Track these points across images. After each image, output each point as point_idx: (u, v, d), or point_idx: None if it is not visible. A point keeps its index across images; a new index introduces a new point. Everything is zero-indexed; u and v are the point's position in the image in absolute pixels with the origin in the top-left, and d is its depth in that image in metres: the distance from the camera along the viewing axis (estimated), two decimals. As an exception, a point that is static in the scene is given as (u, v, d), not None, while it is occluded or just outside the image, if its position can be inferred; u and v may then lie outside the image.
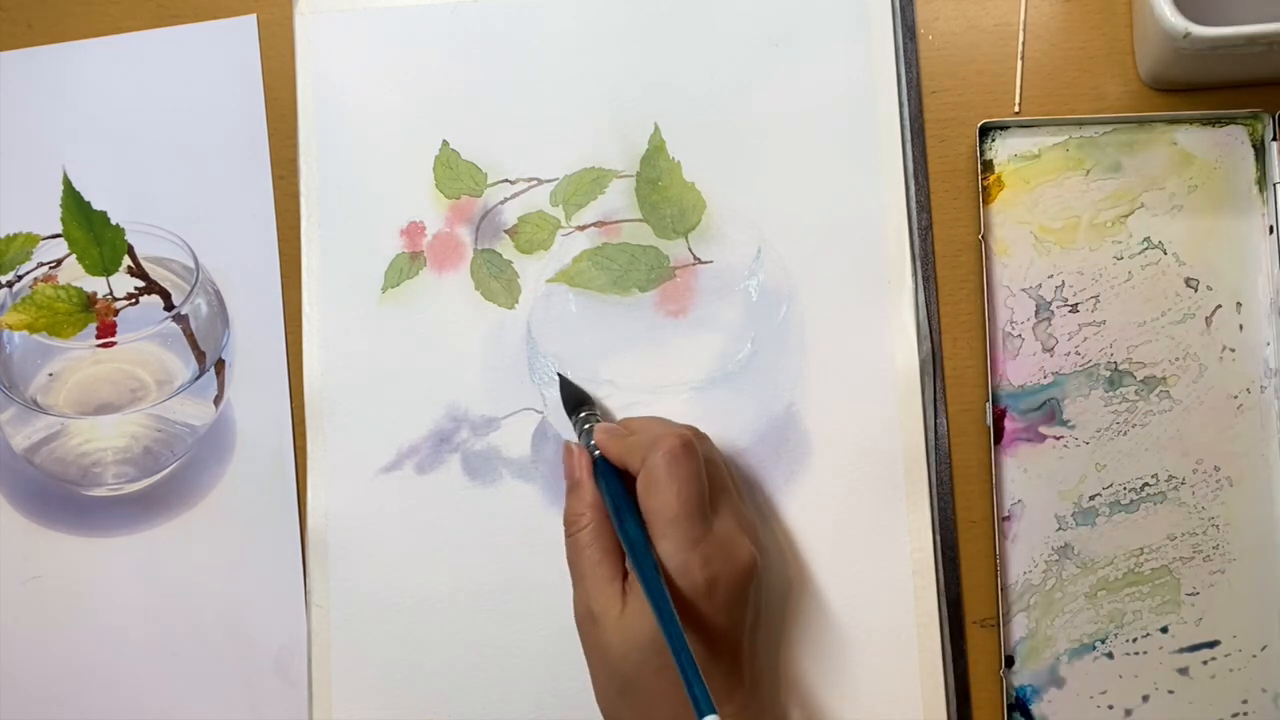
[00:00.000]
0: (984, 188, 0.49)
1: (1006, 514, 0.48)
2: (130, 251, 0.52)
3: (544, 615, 0.49)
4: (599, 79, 0.51)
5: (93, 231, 0.52)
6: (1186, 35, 0.43)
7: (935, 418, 0.49)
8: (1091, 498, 0.48)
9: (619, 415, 0.50)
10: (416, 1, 0.52)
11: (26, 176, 0.53)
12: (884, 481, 0.48)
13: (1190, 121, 0.49)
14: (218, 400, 0.52)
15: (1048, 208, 0.49)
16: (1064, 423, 0.49)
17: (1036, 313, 0.49)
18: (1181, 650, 0.48)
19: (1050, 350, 0.49)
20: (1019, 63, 0.50)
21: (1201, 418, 0.48)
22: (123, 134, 0.53)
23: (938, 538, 0.48)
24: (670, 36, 0.51)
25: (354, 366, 0.51)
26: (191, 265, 0.52)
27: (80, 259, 0.52)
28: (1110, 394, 0.48)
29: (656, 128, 0.51)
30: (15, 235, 0.53)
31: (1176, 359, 0.48)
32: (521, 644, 0.49)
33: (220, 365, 0.52)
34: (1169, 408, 0.48)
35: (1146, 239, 0.49)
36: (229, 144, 0.53)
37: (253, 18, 0.53)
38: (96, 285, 0.52)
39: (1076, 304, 0.49)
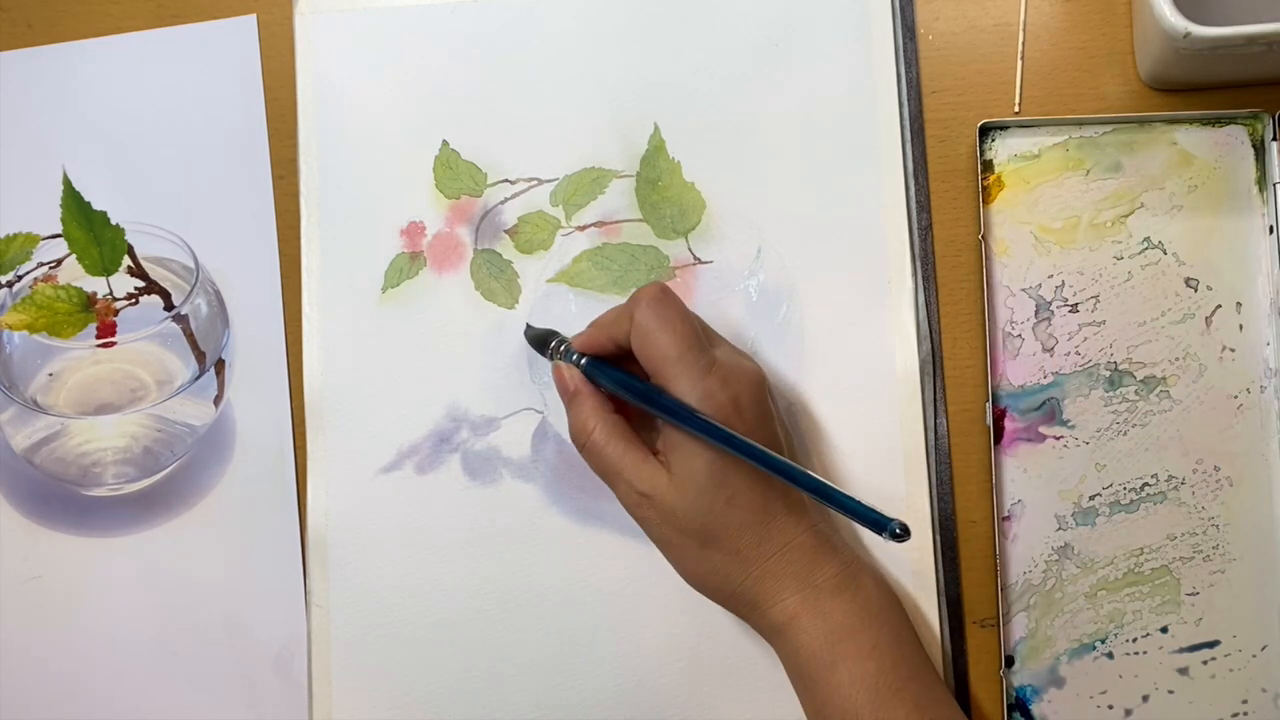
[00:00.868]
0: (984, 188, 0.49)
1: (1006, 514, 0.48)
2: (130, 251, 0.52)
3: (544, 615, 0.49)
4: (599, 79, 0.51)
5: (93, 231, 0.52)
6: (1186, 35, 0.43)
7: (935, 418, 0.49)
8: (1091, 498, 0.48)
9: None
10: (416, 1, 0.52)
11: (26, 176, 0.53)
12: (884, 481, 0.48)
13: (1190, 121, 0.49)
14: (218, 400, 0.52)
15: (1048, 208, 0.49)
16: (1064, 423, 0.49)
17: (1036, 313, 0.49)
18: (1181, 650, 0.48)
19: (1050, 350, 0.49)
20: (1019, 63, 0.50)
21: (1201, 418, 0.48)
22: (123, 134, 0.53)
23: (938, 538, 0.48)
24: (670, 36, 0.51)
25: (354, 366, 0.51)
26: (191, 265, 0.52)
27: (80, 259, 0.52)
28: (1110, 394, 0.48)
29: (656, 128, 0.51)
30: (15, 235, 0.53)
31: (1176, 359, 0.48)
32: (521, 644, 0.49)
33: (220, 365, 0.52)
34: (1169, 408, 0.48)
35: (1146, 239, 0.49)
36: (229, 144, 0.53)
37: (253, 18, 0.53)
38: (96, 285, 0.52)
39: (1076, 304, 0.49)
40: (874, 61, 0.50)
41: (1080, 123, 0.49)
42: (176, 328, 0.52)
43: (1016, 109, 0.50)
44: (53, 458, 0.52)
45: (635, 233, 0.51)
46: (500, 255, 0.51)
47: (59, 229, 0.53)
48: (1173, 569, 0.48)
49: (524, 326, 0.50)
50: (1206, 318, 0.49)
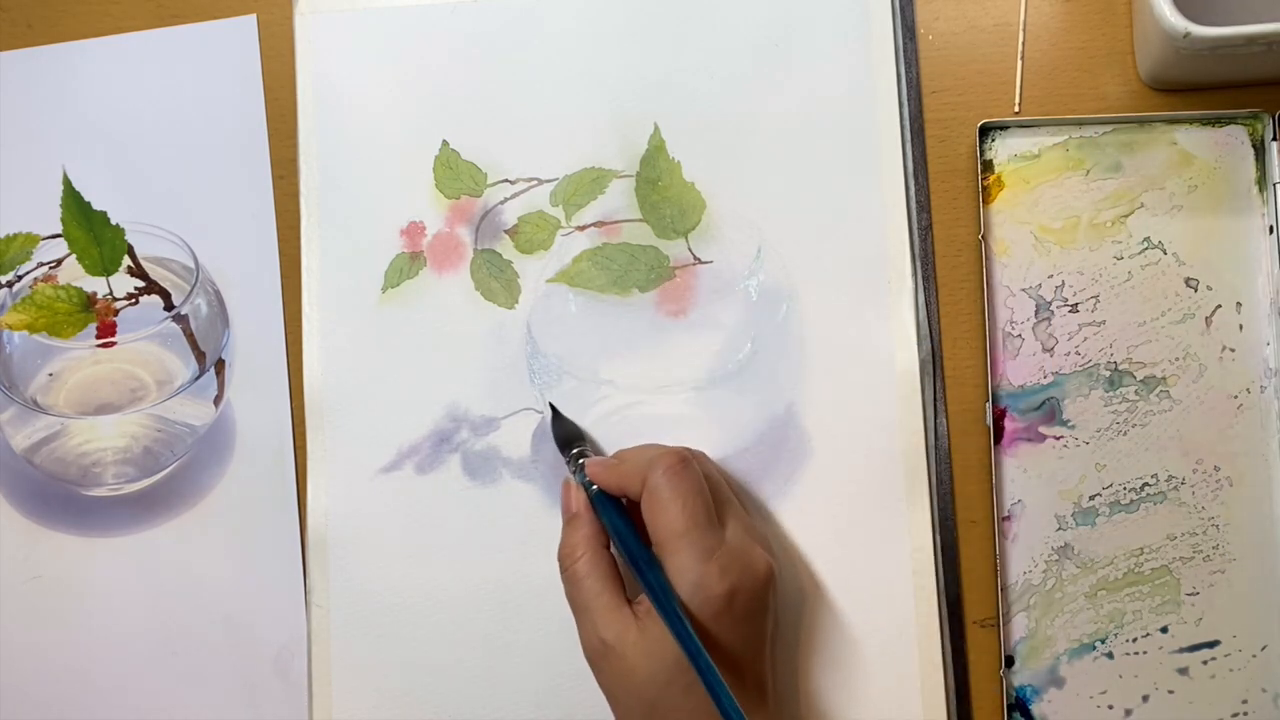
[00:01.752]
0: (984, 188, 0.49)
1: (1006, 514, 0.48)
2: (130, 251, 0.52)
3: (544, 615, 0.49)
4: (599, 79, 0.51)
5: (93, 231, 0.52)
6: (1186, 35, 0.43)
7: (935, 418, 0.49)
8: (1091, 498, 0.48)
9: (619, 414, 0.50)
10: (416, 1, 0.52)
11: (26, 176, 0.53)
12: (884, 481, 0.48)
13: (1190, 121, 0.49)
14: (218, 400, 0.52)
15: (1048, 208, 0.49)
16: (1064, 423, 0.49)
17: (1036, 313, 0.49)
18: (1181, 650, 0.48)
19: (1050, 350, 0.49)
20: (1019, 63, 0.50)
21: (1201, 418, 0.48)
22: (123, 134, 0.53)
23: (938, 538, 0.48)
24: (670, 36, 0.51)
25: (354, 366, 0.51)
26: (191, 265, 0.52)
27: (80, 259, 0.52)
28: (1110, 394, 0.48)
29: (656, 128, 0.51)
30: (15, 235, 0.53)
31: (1176, 359, 0.48)
32: (521, 644, 0.49)
33: (220, 365, 0.52)
34: (1169, 408, 0.48)
35: (1146, 239, 0.49)
36: (229, 144, 0.53)
37: (253, 18, 0.53)
38: (96, 285, 0.52)
39: (1076, 304, 0.49)
40: (874, 61, 0.50)
41: (1080, 123, 0.49)
42: (176, 328, 0.52)
43: (1016, 109, 0.50)
44: (53, 458, 0.52)
45: (635, 233, 0.51)
46: (500, 255, 0.51)
47: (59, 229, 0.53)
48: (1173, 569, 0.48)
49: (551, 409, 0.49)
50: (1206, 318, 0.49)
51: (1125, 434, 0.48)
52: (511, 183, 0.51)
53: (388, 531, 0.50)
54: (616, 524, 0.43)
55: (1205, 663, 0.47)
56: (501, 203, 0.51)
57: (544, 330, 0.50)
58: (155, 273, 0.52)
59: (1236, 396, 0.48)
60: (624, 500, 0.45)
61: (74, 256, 0.52)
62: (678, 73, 0.51)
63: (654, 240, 0.50)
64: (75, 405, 0.52)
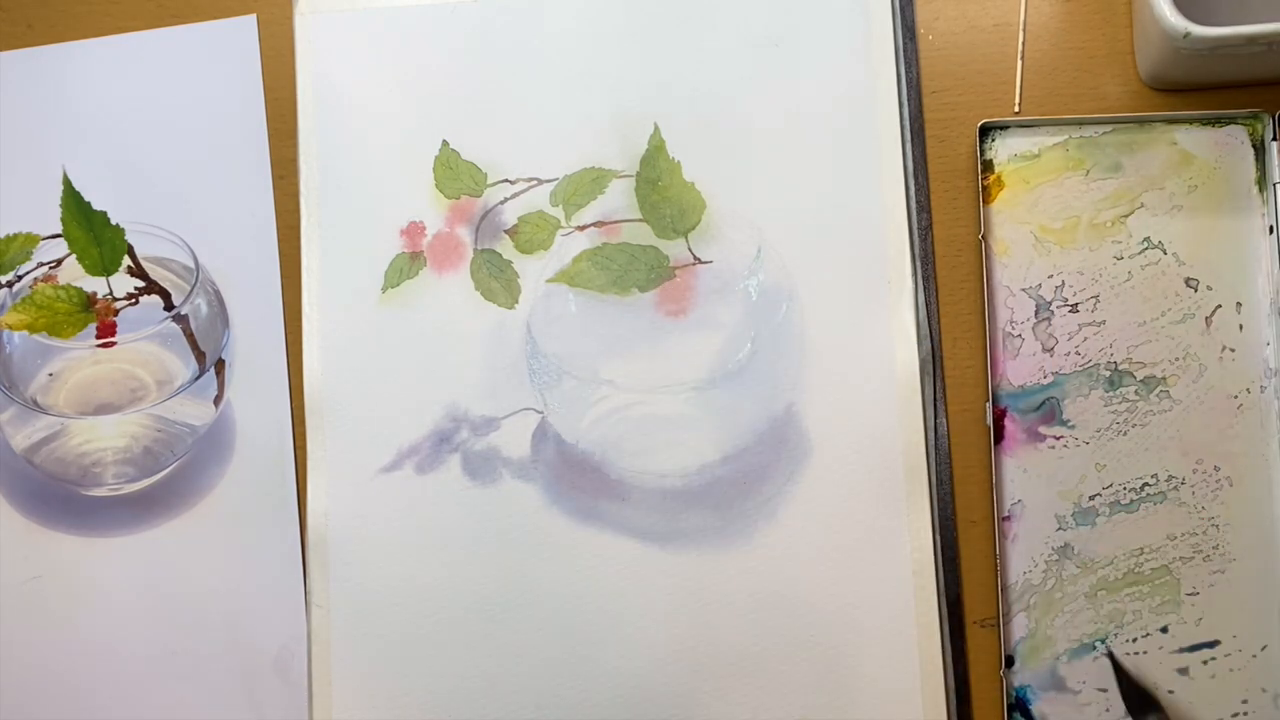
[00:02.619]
0: (984, 188, 0.49)
1: (1006, 514, 0.48)
2: (130, 251, 0.52)
3: (544, 615, 0.49)
4: (599, 79, 0.51)
5: (93, 231, 0.52)
6: (1186, 35, 0.43)
7: (935, 418, 0.49)
8: (1091, 498, 0.48)
9: (619, 415, 0.50)
10: (416, 1, 0.52)
11: (26, 176, 0.53)
12: (884, 481, 0.48)
13: (1190, 121, 0.49)
14: (218, 400, 0.52)
15: (1048, 208, 0.49)
16: (1064, 423, 0.49)
17: (1036, 313, 0.49)
18: (1181, 650, 0.48)
19: (1050, 350, 0.49)
20: (1019, 63, 0.50)
21: (1201, 418, 0.48)
22: (123, 134, 0.53)
23: (938, 538, 0.48)
24: (670, 36, 0.51)
25: (354, 366, 0.51)
26: (191, 265, 0.52)
27: (80, 259, 0.52)
28: (1110, 394, 0.48)
29: (656, 128, 0.51)
30: (15, 235, 0.53)
31: (1176, 359, 0.48)
32: (521, 644, 0.49)
33: (220, 365, 0.52)
34: (1169, 408, 0.48)
35: (1146, 239, 0.49)
36: (229, 144, 0.53)
37: (253, 18, 0.53)
38: (96, 285, 0.52)
39: (1076, 304, 0.49)
40: (874, 61, 0.50)
41: (1080, 123, 0.49)
42: (176, 328, 0.52)
43: (1016, 109, 0.50)
44: (53, 458, 0.52)
45: (635, 232, 0.51)
46: (500, 255, 0.51)
47: (59, 229, 0.53)
48: (1173, 569, 0.48)
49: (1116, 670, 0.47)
50: (1206, 318, 0.49)
51: (1125, 434, 0.48)
52: (511, 183, 0.51)
53: (388, 531, 0.50)
54: None
55: (1205, 663, 0.47)
56: (501, 203, 0.51)
57: (544, 330, 0.50)
58: (155, 273, 0.52)
59: (1236, 396, 0.48)
60: None
61: (74, 256, 0.52)
62: (678, 73, 0.51)
63: (654, 240, 0.50)
64: (75, 405, 0.52)
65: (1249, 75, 0.48)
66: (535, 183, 0.51)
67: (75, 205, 0.52)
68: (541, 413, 0.50)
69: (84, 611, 0.52)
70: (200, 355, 0.52)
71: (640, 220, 0.51)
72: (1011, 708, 0.48)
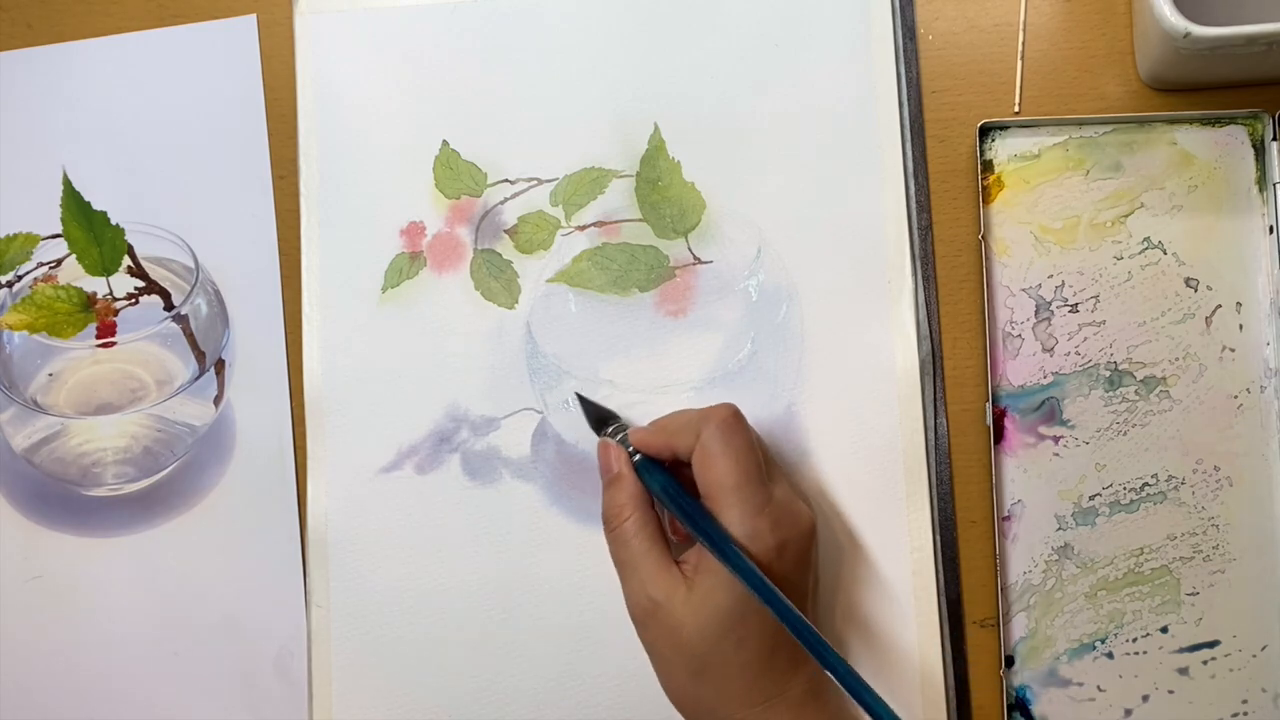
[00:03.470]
0: (984, 188, 0.49)
1: (1006, 514, 0.48)
2: (130, 251, 0.52)
3: (544, 615, 0.49)
4: (599, 79, 0.51)
5: (93, 231, 0.52)
6: (1186, 35, 0.43)
7: (935, 418, 0.49)
8: (1091, 498, 0.48)
9: (619, 415, 0.50)
10: (416, 1, 0.52)
11: (26, 176, 0.53)
12: (884, 481, 0.48)
13: (1190, 121, 0.49)
14: (218, 400, 0.52)
15: (1048, 208, 0.49)
16: (1064, 423, 0.49)
17: (1036, 313, 0.49)
18: (1181, 650, 0.48)
19: (1050, 350, 0.49)
20: (1019, 63, 0.50)
21: (1201, 418, 0.48)
22: (123, 134, 0.53)
23: (938, 538, 0.48)
24: (670, 37, 0.51)
25: (354, 366, 0.51)
26: (191, 265, 0.52)
27: (80, 259, 0.52)
28: (1110, 394, 0.48)
29: (656, 128, 0.51)
30: (15, 235, 0.53)
31: (1176, 359, 0.48)
32: (521, 644, 0.49)
33: (220, 365, 0.52)
34: (1169, 408, 0.48)
35: (1146, 239, 0.49)
36: (229, 144, 0.53)
37: (253, 18, 0.53)
38: (96, 285, 0.52)
39: (1076, 304, 0.49)
40: (874, 61, 0.50)
41: (1080, 123, 0.49)
42: (176, 328, 0.52)
43: (1016, 109, 0.50)
44: (53, 458, 0.52)
45: (635, 232, 0.51)
46: (500, 255, 0.51)
47: (59, 229, 0.53)
48: (1173, 569, 0.48)
49: (579, 398, 0.49)
50: (1206, 318, 0.48)
51: (1125, 434, 0.48)
52: (511, 183, 0.51)
53: (388, 531, 0.50)
54: (669, 485, 0.43)
55: (1205, 663, 0.47)
56: (501, 203, 0.51)
57: (544, 330, 0.50)
58: (155, 273, 0.52)
59: (1236, 396, 0.48)
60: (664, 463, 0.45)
61: (74, 256, 0.52)
62: (678, 73, 0.51)
63: (654, 240, 0.50)
64: (75, 405, 0.52)
65: (1249, 75, 0.48)
66: (535, 183, 0.51)
67: (75, 205, 0.52)
68: (541, 413, 0.50)
69: (84, 612, 0.52)
70: (200, 355, 0.52)
71: (640, 220, 0.51)
72: (1011, 708, 0.48)
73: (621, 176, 0.51)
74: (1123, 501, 0.48)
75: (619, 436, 0.46)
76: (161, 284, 0.52)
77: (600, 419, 0.48)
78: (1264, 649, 0.47)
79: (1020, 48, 0.50)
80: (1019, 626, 0.48)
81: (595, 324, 0.50)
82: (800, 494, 0.45)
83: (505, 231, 0.51)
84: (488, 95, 0.52)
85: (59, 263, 0.52)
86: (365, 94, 0.52)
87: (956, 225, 0.50)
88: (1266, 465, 0.48)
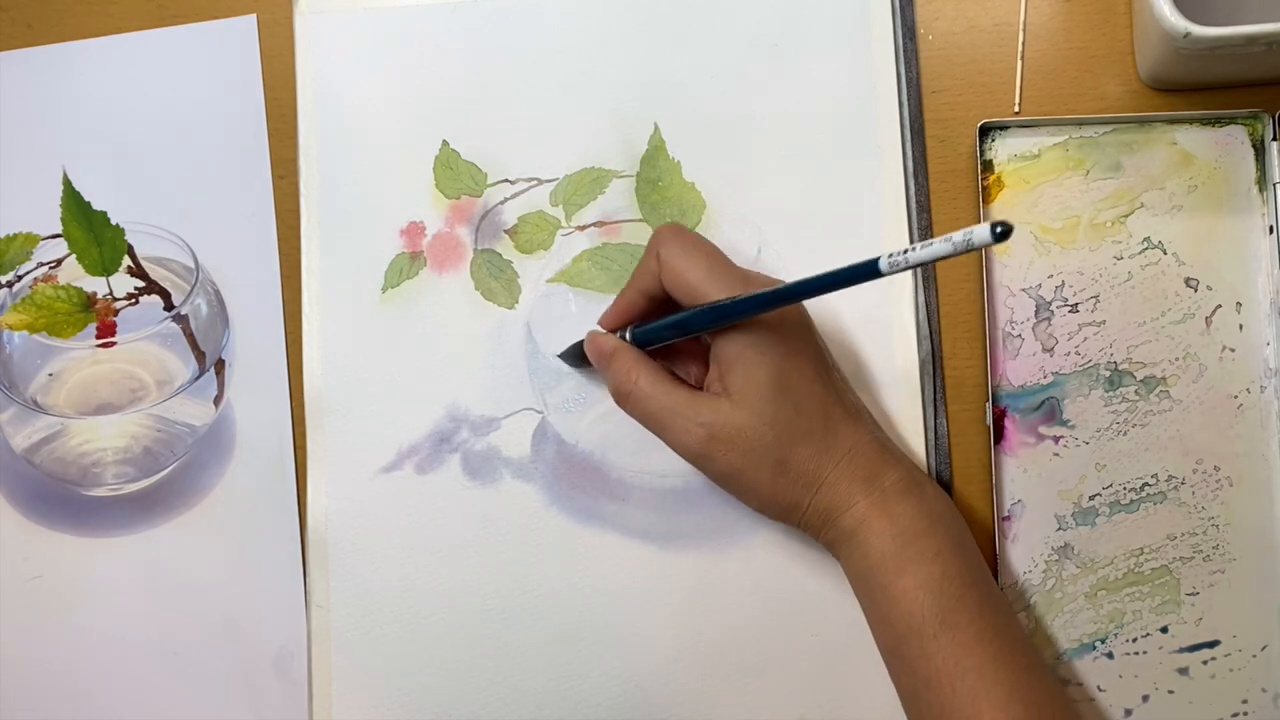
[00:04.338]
0: (984, 188, 0.49)
1: (1006, 514, 0.48)
2: (130, 251, 0.52)
3: (544, 615, 0.49)
4: (599, 79, 0.51)
5: (93, 231, 0.52)
6: (1186, 35, 0.43)
7: (935, 418, 0.49)
8: (1091, 498, 0.48)
9: (619, 415, 0.49)
10: (416, 1, 0.52)
11: (26, 176, 0.53)
12: (884, 481, 0.48)
13: (1190, 121, 0.49)
14: (218, 400, 0.52)
15: (1048, 208, 0.49)
16: (1064, 423, 0.49)
17: (1036, 313, 0.49)
18: (1181, 650, 0.48)
19: (1050, 350, 0.49)
20: (1019, 63, 0.50)
21: (1201, 418, 0.48)
22: (123, 134, 0.53)
23: (938, 538, 0.48)
24: (670, 37, 0.51)
25: (354, 366, 0.51)
26: (191, 265, 0.52)
27: (80, 259, 0.52)
28: (1110, 394, 0.48)
29: (656, 128, 0.51)
30: (15, 235, 0.53)
31: (1176, 359, 0.48)
32: (521, 644, 0.49)
33: (220, 365, 0.52)
34: (1169, 408, 0.48)
35: (1146, 239, 0.49)
36: (229, 144, 0.53)
37: (253, 18, 0.53)
38: (96, 285, 0.52)
39: (1076, 304, 0.49)
40: (874, 61, 0.50)
41: (1080, 123, 0.49)
42: (176, 328, 0.52)
43: (1016, 109, 0.50)
44: (53, 458, 0.52)
45: (635, 232, 0.51)
46: (500, 255, 0.51)
47: (59, 229, 0.53)
48: (1173, 569, 0.48)
49: (561, 357, 0.50)
50: (1206, 318, 0.48)
51: (1125, 434, 0.48)
52: (511, 183, 0.51)
53: (388, 531, 0.50)
54: (658, 325, 0.44)
55: (1205, 663, 0.47)
56: (501, 203, 0.51)
57: (544, 330, 0.50)
58: (155, 273, 0.52)
59: (1236, 396, 0.48)
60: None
61: (74, 256, 0.52)
62: (678, 73, 0.51)
63: (654, 240, 0.50)
64: (75, 405, 0.52)
65: (1249, 75, 0.48)
66: (535, 183, 0.51)
67: (75, 205, 0.52)
68: (541, 413, 0.50)
69: (84, 611, 0.52)
70: (200, 355, 0.52)
71: (640, 220, 0.51)
72: (1011, 708, 0.48)
73: (621, 176, 0.51)
74: (1123, 501, 0.48)
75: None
76: (161, 284, 0.52)
77: (577, 353, 0.48)
78: (1264, 649, 0.47)
79: (1020, 48, 0.50)
80: (1019, 626, 0.48)
81: (595, 324, 0.50)
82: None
83: (505, 231, 0.51)
84: (488, 95, 0.52)
85: (59, 263, 0.52)
86: (365, 94, 0.52)
87: (956, 225, 0.50)
88: (1266, 465, 0.48)
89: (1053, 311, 0.49)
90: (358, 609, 0.50)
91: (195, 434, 0.52)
